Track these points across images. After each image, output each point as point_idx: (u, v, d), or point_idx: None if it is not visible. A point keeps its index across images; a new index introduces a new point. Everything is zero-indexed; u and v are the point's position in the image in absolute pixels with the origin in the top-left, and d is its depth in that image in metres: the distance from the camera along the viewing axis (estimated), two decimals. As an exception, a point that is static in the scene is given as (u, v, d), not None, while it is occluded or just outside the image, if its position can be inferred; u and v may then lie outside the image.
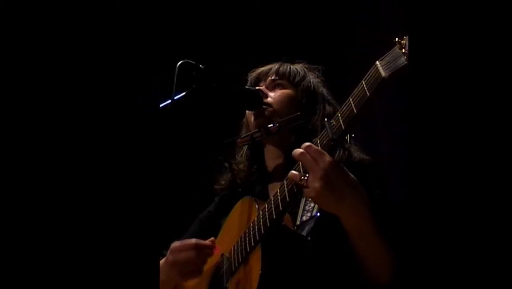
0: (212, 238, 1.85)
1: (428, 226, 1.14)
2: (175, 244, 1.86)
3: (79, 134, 1.24)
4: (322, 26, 3.21)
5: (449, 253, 1.13)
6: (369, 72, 1.45)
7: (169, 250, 1.86)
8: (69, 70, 1.24)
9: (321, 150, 1.52)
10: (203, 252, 1.82)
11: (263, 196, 1.85)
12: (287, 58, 2.07)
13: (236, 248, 1.78)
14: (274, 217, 1.64)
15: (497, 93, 1.08)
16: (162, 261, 1.89)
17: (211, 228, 1.99)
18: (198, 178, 2.62)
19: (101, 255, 1.23)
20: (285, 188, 1.61)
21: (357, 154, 1.85)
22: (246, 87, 2.00)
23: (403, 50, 1.38)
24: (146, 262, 1.27)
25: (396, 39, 1.40)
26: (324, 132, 1.55)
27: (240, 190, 1.99)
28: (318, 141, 1.56)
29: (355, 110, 1.46)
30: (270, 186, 1.95)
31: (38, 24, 1.24)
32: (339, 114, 1.51)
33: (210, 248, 1.83)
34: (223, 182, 2.08)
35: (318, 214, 1.61)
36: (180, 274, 1.84)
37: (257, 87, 1.98)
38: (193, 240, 1.84)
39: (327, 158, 1.49)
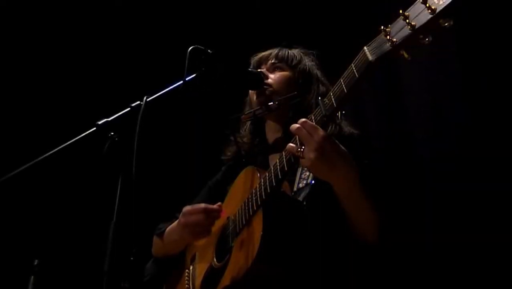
0: (219, 203, 2.02)
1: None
2: (187, 208, 2.03)
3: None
4: (318, 17, 3.36)
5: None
6: (357, 56, 1.56)
7: (181, 213, 2.03)
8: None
9: (316, 125, 1.64)
10: (211, 215, 1.98)
11: (264, 166, 2.01)
12: (286, 43, 2.24)
13: (240, 211, 1.91)
14: (274, 184, 1.77)
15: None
16: (175, 223, 2.08)
17: (219, 193, 2.16)
18: (207, 150, 2.78)
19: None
20: (284, 159, 1.74)
21: (347, 128, 2.02)
22: (249, 69, 2.16)
23: (388, 37, 1.49)
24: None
25: (382, 27, 1.51)
26: (318, 109, 1.67)
27: (244, 160, 2.16)
28: (313, 117, 1.68)
29: (345, 90, 1.58)
30: (270, 157, 2.11)
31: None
32: (331, 94, 1.63)
33: (218, 212, 1.99)
34: (229, 153, 2.27)
35: (313, 182, 1.78)
36: (191, 234, 2.01)
37: (258, 70, 2.15)
38: (203, 205, 2.01)
39: (321, 132, 1.62)
